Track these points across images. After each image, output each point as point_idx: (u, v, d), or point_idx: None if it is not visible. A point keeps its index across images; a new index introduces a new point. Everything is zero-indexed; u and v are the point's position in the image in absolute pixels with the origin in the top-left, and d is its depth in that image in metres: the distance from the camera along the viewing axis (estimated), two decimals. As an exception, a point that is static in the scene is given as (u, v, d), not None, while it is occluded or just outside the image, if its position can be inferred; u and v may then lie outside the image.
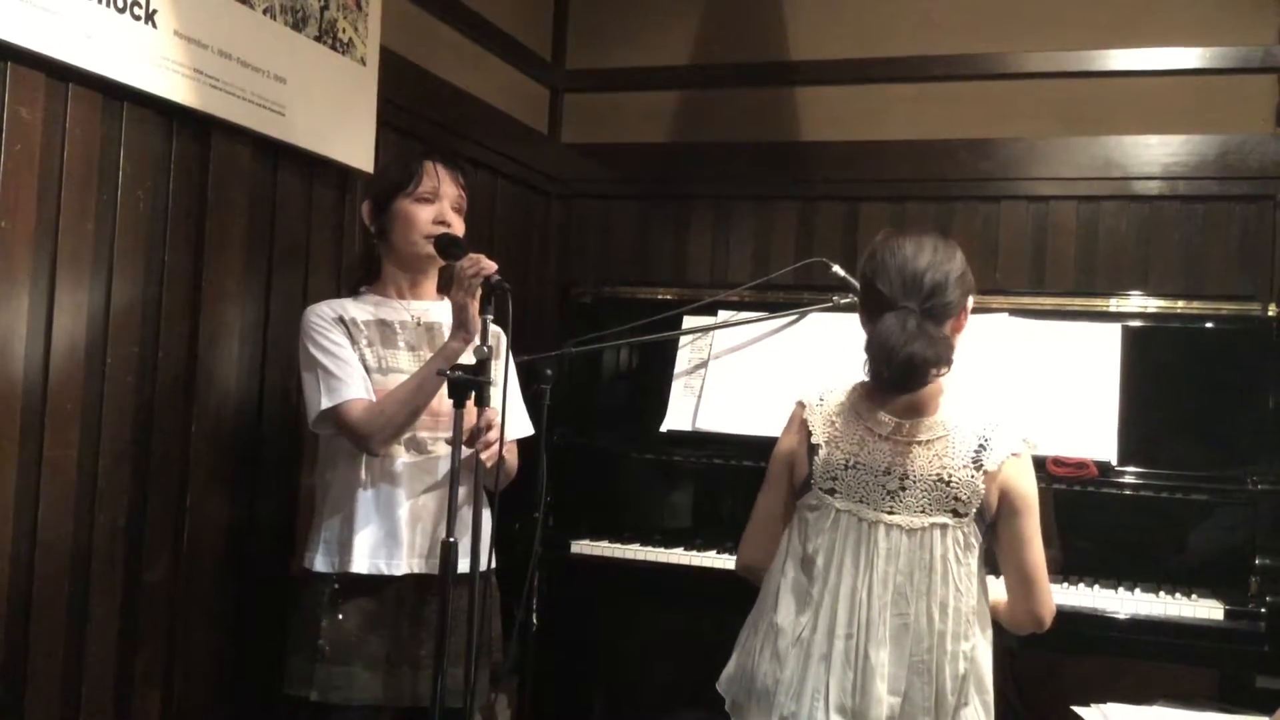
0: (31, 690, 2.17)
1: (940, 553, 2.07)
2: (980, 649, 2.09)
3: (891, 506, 2.10)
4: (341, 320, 2.37)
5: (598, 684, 3.70)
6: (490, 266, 2.22)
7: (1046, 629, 2.18)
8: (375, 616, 2.36)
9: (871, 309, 2.13)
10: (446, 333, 2.46)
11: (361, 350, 2.36)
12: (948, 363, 2.05)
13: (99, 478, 2.29)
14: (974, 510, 2.08)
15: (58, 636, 2.23)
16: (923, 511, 2.09)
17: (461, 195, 2.48)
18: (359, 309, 2.42)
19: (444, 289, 2.55)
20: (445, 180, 2.44)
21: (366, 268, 2.52)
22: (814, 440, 2.17)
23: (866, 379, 2.17)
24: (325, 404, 2.30)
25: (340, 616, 2.34)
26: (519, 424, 2.55)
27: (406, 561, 2.35)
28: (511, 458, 2.43)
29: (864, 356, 2.09)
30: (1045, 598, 2.15)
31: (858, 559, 2.09)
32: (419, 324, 2.46)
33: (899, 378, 2.04)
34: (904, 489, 2.10)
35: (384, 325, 2.42)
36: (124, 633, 2.37)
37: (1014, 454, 2.10)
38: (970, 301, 2.16)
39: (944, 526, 2.08)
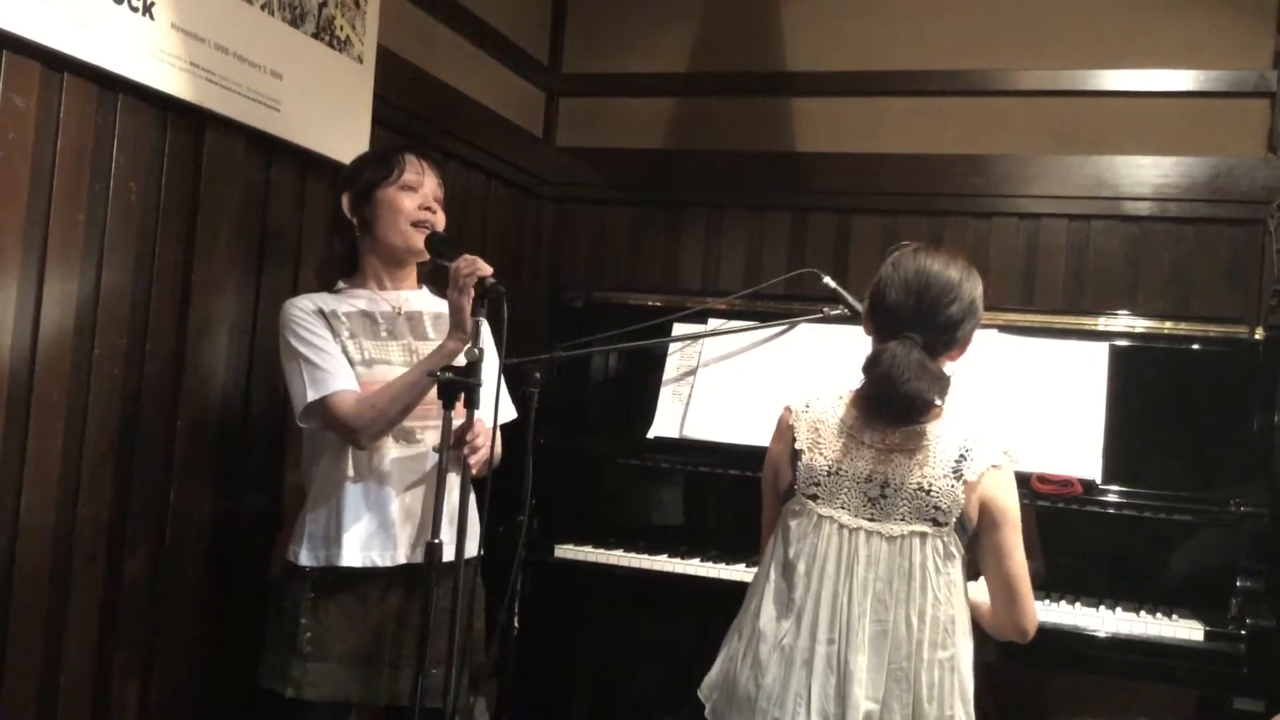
0: (9, 681, 2.16)
1: (919, 561, 2.08)
2: (961, 658, 2.10)
3: (872, 513, 2.11)
4: (321, 312, 2.36)
5: (578, 689, 3.70)
6: (486, 269, 2.22)
7: (1030, 639, 2.19)
8: (357, 614, 2.35)
9: (879, 321, 2.15)
10: (428, 321, 2.47)
11: (344, 342, 2.35)
12: (943, 398, 2.11)
13: (83, 469, 2.28)
14: (954, 520, 2.09)
15: (36, 628, 2.21)
16: (903, 519, 2.09)
17: (440, 186, 2.48)
18: (339, 302, 2.41)
19: (427, 282, 2.55)
20: (426, 171, 2.46)
21: (345, 261, 2.51)
22: (797, 445, 2.18)
23: (855, 387, 2.19)
24: (312, 396, 2.29)
25: (321, 613, 2.33)
26: (502, 409, 2.52)
27: (401, 552, 2.35)
28: (497, 445, 2.42)
29: (861, 375, 2.12)
30: (1028, 608, 2.16)
31: (839, 565, 2.10)
32: (400, 314, 2.45)
33: (898, 413, 2.10)
34: (885, 496, 2.11)
35: (366, 316, 2.41)
36: (103, 625, 2.36)
37: (994, 465, 2.11)
38: (975, 332, 2.18)
39: (923, 535, 2.09)
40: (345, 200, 2.45)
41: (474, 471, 2.25)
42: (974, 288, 2.14)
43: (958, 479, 2.09)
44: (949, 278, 2.11)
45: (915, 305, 2.10)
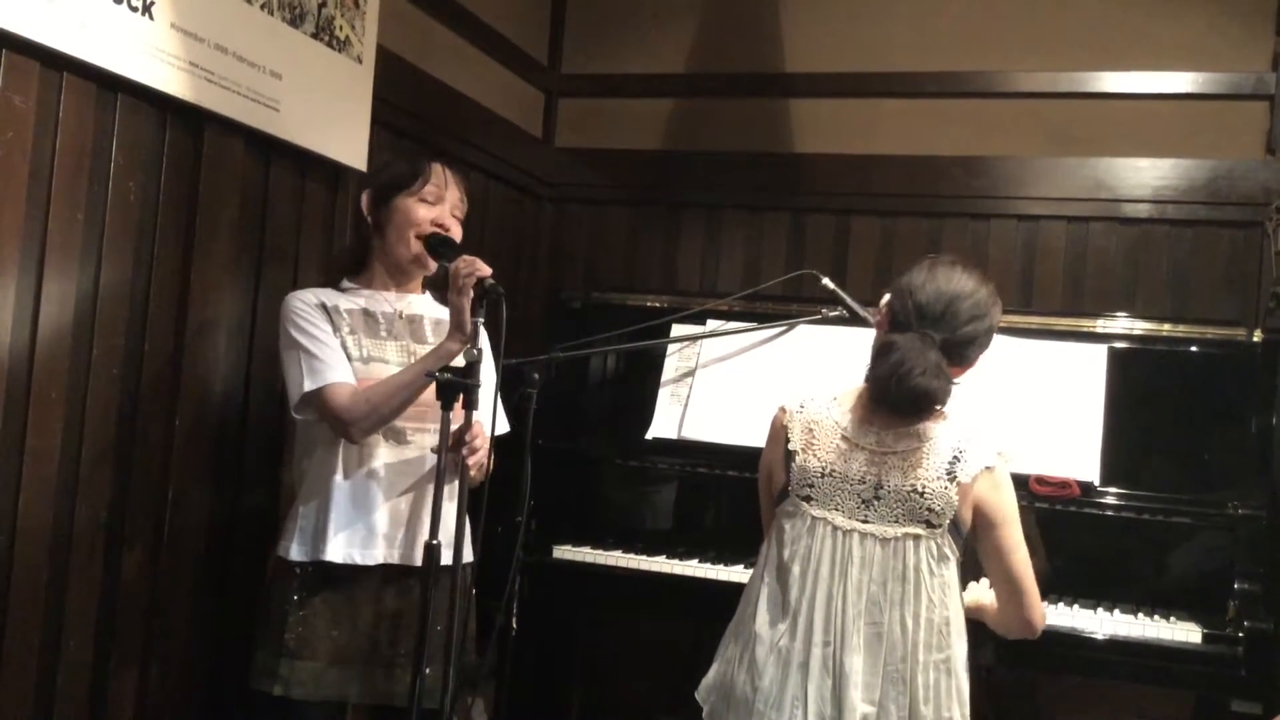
0: (6, 680, 2.16)
1: (913, 563, 2.08)
2: (956, 660, 2.10)
3: (866, 515, 2.11)
4: (323, 306, 2.36)
5: (576, 689, 3.69)
6: (484, 269, 2.22)
7: (1038, 634, 2.19)
8: (345, 613, 2.34)
9: (898, 318, 2.15)
10: (429, 326, 2.47)
11: (343, 338, 2.35)
12: (944, 404, 2.12)
13: (81, 469, 2.28)
14: (947, 522, 2.09)
15: (34, 626, 2.21)
16: (896, 521, 2.10)
17: (463, 203, 2.48)
18: (342, 298, 2.41)
19: (429, 288, 2.55)
20: (450, 185, 2.45)
21: (354, 258, 2.51)
22: (790, 446, 2.18)
23: (851, 388, 2.19)
24: (309, 386, 2.29)
25: (310, 610, 2.32)
26: (497, 423, 2.53)
27: (383, 552, 2.34)
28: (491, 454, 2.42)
29: (869, 363, 2.13)
30: (1035, 604, 2.17)
31: (833, 567, 2.10)
32: (402, 316, 2.46)
33: (902, 403, 2.09)
34: (878, 498, 2.11)
35: (367, 315, 2.41)
36: (101, 623, 2.36)
37: (987, 467, 2.11)
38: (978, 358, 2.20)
39: (917, 537, 2.09)
40: (365, 198, 2.45)
41: (471, 473, 2.25)
42: (996, 316, 2.18)
43: (951, 481, 2.09)
44: (981, 298, 2.14)
45: (942, 311, 2.11)
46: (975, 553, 2.18)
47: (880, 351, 2.12)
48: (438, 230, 2.40)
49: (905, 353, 2.06)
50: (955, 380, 2.14)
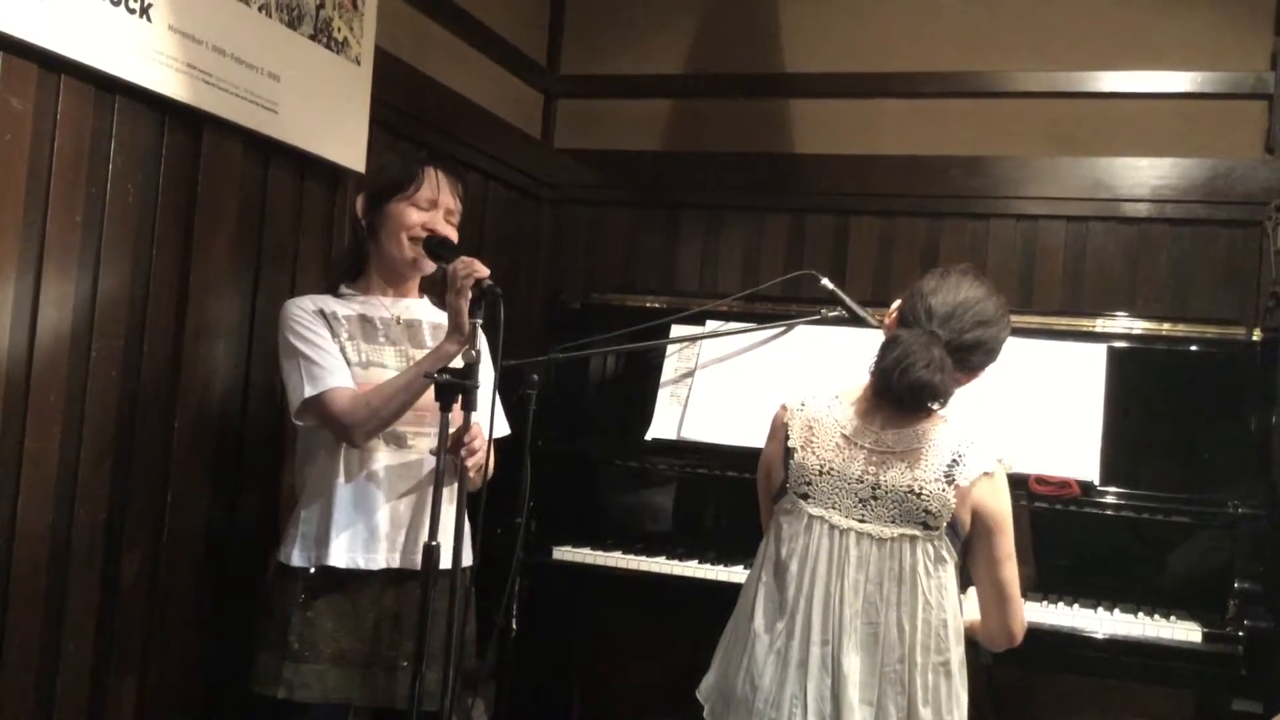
0: (6, 683, 2.16)
1: (910, 564, 2.08)
2: (955, 663, 2.10)
3: (863, 514, 2.11)
4: (322, 313, 2.37)
5: (576, 690, 3.69)
6: (483, 270, 2.22)
7: (1018, 644, 2.19)
8: (348, 615, 2.34)
9: (908, 318, 2.16)
10: (427, 330, 2.47)
11: (342, 344, 2.35)
12: (944, 404, 2.13)
13: (80, 471, 2.28)
14: (945, 524, 2.09)
15: (34, 629, 2.21)
16: (893, 522, 2.10)
17: (457, 209, 2.47)
18: (340, 304, 2.42)
19: (428, 291, 2.55)
20: (445, 190, 2.44)
21: (351, 262, 2.51)
22: (790, 443, 2.18)
23: (852, 387, 2.19)
24: (309, 392, 2.29)
25: (312, 613, 2.32)
26: (497, 424, 2.54)
27: (385, 556, 2.34)
28: (491, 457, 2.42)
29: (873, 355, 2.13)
30: (1018, 613, 2.17)
31: (830, 566, 2.11)
32: (399, 321, 2.46)
33: (903, 395, 2.09)
34: (875, 498, 2.11)
35: (365, 321, 2.42)
36: (101, 626, 2.36)
37: (986, 473, 2.11)
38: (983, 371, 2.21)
39: (913, 538, 2.09)
40: (359, 202, 2.46)
41: (471, 475, 2.25)
42: (1003, 328, 2.18)
43: (949, 483, 2.09)
44: (988, 307, 2.15)
45: (949, 314, 2.12)
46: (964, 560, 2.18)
47: (885, 345, 2.13)
48: (435, 232, 2.40)
49: (909, 346, 2.07)
50: (959, 384, 2.15)
